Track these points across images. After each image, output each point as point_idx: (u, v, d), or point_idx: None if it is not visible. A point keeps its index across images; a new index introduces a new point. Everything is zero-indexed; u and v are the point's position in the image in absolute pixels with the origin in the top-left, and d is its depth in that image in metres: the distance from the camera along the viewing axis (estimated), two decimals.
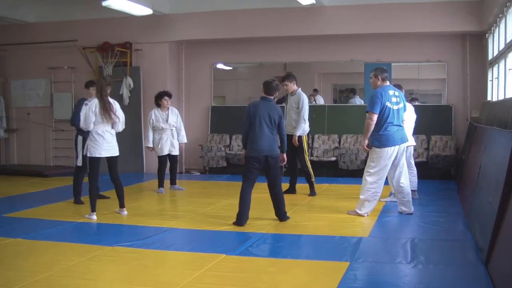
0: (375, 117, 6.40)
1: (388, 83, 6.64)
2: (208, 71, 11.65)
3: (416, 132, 8.31)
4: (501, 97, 7.53)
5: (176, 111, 8.72)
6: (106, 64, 11.08)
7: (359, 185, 6.77)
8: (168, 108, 8.56)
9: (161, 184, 8.66)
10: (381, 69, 6.67)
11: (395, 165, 6.59)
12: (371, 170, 6.54)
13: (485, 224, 4.70)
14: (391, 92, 6.52)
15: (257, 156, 6.16)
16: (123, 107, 6.97)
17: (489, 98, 8.86)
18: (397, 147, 6.47)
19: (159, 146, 8.53)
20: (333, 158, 10.47)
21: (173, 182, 8.82)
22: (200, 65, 11.59)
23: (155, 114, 8.51)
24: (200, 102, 11.59)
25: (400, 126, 6.55)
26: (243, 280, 4.25)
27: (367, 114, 6.48)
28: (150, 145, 8.59)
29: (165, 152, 8.56)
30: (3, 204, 7.76)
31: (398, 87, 7.46)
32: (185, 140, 8.77)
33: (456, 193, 8.28)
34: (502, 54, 7.50)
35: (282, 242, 5.49)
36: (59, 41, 11.25)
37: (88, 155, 6.60)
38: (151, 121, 8.51)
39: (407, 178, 6.72)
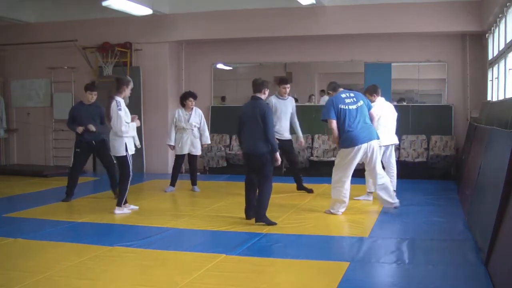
0: (333, 123, 6.59)
1: (341, 89, 6.84)
2: (208, 71, 11.65)
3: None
4: (501, 97, 7.53)
5: (200, 112, 8.73)
6: (106, 64, 11.07)
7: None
8: (193, 108, 8.60)
9: (172, 183, 8.71)
10: (329, 84, 7.03)
11: (368, 162, 6.64)
12: (334, 170, 6.71)
13: (485, 224, 4.70)
14: (343, 95, 6.69)
15: (244, 153, 6.46)
16: None
17: (489, 98, 8.86)
18: (364, 145, 6.50)
19: (180, 145, 8.57)
20: (333, 158, 10.41)
21: (193, 183, 8.79)
22: (200, 65, 11.59)
23: (179, 114, 8.58)
24: (200, 102, 11.55)
25: (365, 123, 6.59)
26: (243, 280, 4.25)
27: (326, 123, 6.72)
28: (172, 143, 8.62)
29: (185, 152, 8.59)
30: (3, 204, 7.77)
31: (377, 87, 7.62)
32: (208, 141, 8.80)
33: (456, 193, 8.27)
34: (502, 54, 7.49)
35: (282, 242, 5.49)
36: (59, 41, 11.25)
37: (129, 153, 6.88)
38: (174, 119, 8.58)
39: (383, 173, 6.76)
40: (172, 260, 4.89)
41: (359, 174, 7.24)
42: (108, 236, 5.93)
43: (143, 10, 10.04)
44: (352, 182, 6.75)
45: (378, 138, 6.72)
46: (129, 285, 4.19)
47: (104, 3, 9.30)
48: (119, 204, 6.87)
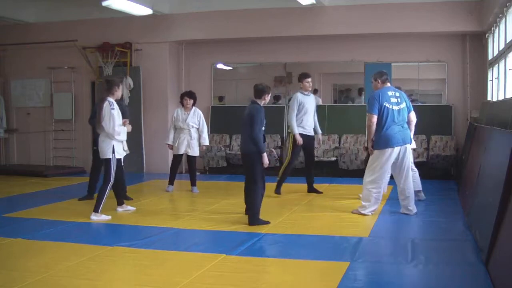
0: (374, 118, 6.45)
1: (388, 84, 6.71)
2: (208, 71, 11.65)
3: (416, 132, 8.20)
4: (501, 97, 7.53)
5: (200, 113, 8.65)
6: (106, 64, 11.07)
7: (359, 185, 6.78)
8: (192, 108, 8.57)
9: (170, 182, 8.72)
10: (380, 72, 6.78)
11: (398, 166, 6.58)
12: (368, 171, 6.64)
13: (485, 224, 4.70)
14: (390, 93, 6.56)
15: (240, 153, 6.58)
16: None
17: (489, 98, 8.86)
18: (398, 148, 6.46)
19: (176, 145, 8.57)
20: (333, 158, 10.47)
21: (192, 184, 8.75)
22: (200, 65, 11.59)
23: (177, 113, 8.57)
24: (200, 102, 11.54)
25: (402, 126, 6.54)
26: (243, 280, 4.25)
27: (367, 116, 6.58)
28: (170, 142, 8.61)
29: (181, 151, 8.57)
30: (3, 204, 7.76)
31: (398, 89, 7.53)
32: (206, 142, 8.73)
33: (456, 193, 8.27)
34: (502, 54, 7.50)
35: (282, 242, 5.48)
36: (59, 41, 11.25)
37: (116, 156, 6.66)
38: (173, 119, 8.58)
39: (410, 180, 6.68)
40: (172, 260, 4.88)
41: None
42: (108, 236, 5.93)
43: (143, 10, 10.05)
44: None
45: (411, 143, 6.68)
46: (129, 285, 4.19)
47: (104, 3, 9.31)
48: (96, 210, 6.55)
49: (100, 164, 7.91)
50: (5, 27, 11.72)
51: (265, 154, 6.11)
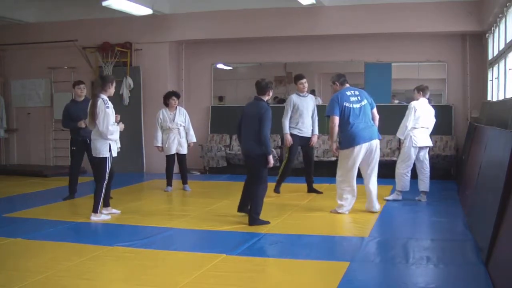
0: (336, 120, 6.53)
1: (347, 85, 6.78)
2: (208, 71, 11.65)
3: (433, 132, 8.22)
4: (501, 97, 7.53)
5: (184, 111, 8.74)
6: (106, 64, 11.08)
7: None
8: (176, 108, 8.61)
9: (169, 183, 8.73)
10: (338, 75, 6.87)
11: (366, 162, 6.60)
12: (339, 171, 6.68)
13: (485, 224, 4.70)
14: (348, 93, 6.64)
15: (243, 153, 6.47)
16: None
17: (489, 98, 8.86)
18: (365, 144, 6.49)
19: (167, 146, 8.58)
20: (333, 158, 10.44)
21: (184, 182, 8.81)
22: (200, 65, 11.59)
23: (163, 114, 8.58)
24: (200, 102, 11.59)
25: (367, 123, 6.58)
26: (243, 280, 4.25)
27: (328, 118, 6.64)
28: (159, 144, 8.62)
29: (172, 152, 8.60)
30: (3, 204, 7.76)
31: (426, 88, 7.55)
32: (194, 139, 8.78)
33: (456, 193, 8.27)
34: (502, 54, 7.50)
35: (282, 242, 5.48)
36: (59, 41, 11.25)
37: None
38: (159, 120, 8.57)
39: (374, 178, 6.68)
40: (172, 260, 4.88)
41: (384, 174, 7.29)
42: (108, 236, 5.93)
43: (143, 10, 10.05)
44: (377, 183, 6.74)
45: (379, 138, 6.70)
46: (129, 285, 4.19)
47: (104, 3, 9.31)
48: (95, 210, 6.49)
49: (79, 163, 8.02)
50: (5, 27, 11.71)
51: (271, 155, 6.07)
